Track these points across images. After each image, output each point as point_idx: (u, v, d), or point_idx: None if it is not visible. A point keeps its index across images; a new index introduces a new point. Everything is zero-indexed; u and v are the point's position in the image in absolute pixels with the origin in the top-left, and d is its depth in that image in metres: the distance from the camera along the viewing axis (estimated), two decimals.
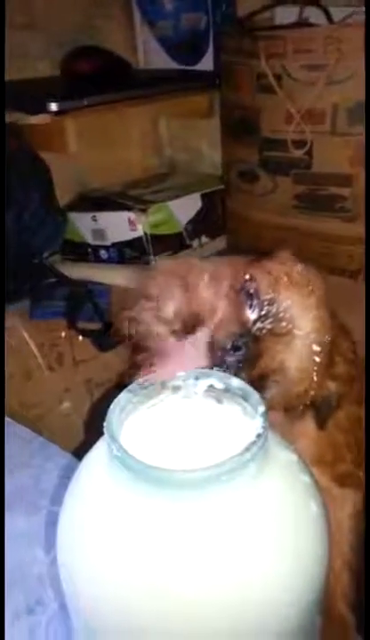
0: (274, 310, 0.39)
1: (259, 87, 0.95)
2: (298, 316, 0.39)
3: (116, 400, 0.32)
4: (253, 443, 0.28)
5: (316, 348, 0.40)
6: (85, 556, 0.29)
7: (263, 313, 0.39)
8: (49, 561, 0.50)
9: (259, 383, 0.39)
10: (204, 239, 1.19)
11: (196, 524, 0.27)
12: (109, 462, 0.29)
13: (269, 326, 0.39)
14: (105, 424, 0.30)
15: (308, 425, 0.46)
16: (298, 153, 0.92)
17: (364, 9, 0.96)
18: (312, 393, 0.41)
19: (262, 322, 0.39)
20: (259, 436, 0.28)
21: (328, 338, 0.40)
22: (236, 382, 0.34)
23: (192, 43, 1.25)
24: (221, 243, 1.21)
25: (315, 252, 0.98)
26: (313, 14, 0.99)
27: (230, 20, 1.16)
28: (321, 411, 0.44)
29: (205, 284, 0.44)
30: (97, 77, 1.06)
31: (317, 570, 0.30)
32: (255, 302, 0.39)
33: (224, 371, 0.37)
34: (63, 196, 1.11)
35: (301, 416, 0.44)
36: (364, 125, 0.89)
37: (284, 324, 0.39)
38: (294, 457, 0.32)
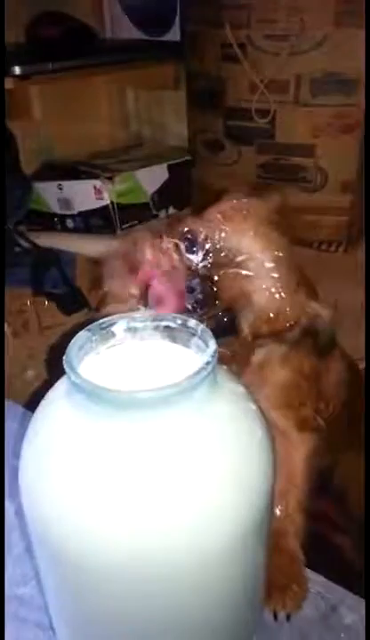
0: (213, 245, 0.41)
1: (224, 56, 0.96)
2: (238, 242, 0.40)
3: (75, 337, 0.34)
4: (202, 368, 0.30)
5: (269, 264, 0.40)
6: (47, 477, 0.31)
7: (204, 251, 0.41)
8: (13, 510, 0.52)
9: (230, 317, 0.41)
10: (171, 210, 1.21)
11: (145, 442, 0.29)
12: (68, 392, 0.31)
13: (211, 260, 0.41)
14: (64, 357, 0.32)
15: (277, 370, 0.49)
16: (261, 122, 0.94)
17: None
18: (288, 311, 0.41)
19: (206, 259, 0.41)
20: (207, 363, 0.30)
21: (279, 253, 0.41)
22: (190, 322, 0.36)
23: (159, 13, 1.25)
24: (188, 214, 1.22)
25: None
26: None
27: None
28: (320, 337, 0.44)
29: (149, 250, 0.45)
30: (62, 43, 1.05)
31: (262, 488, 0.32)
32: (195, 246, 0.41)
33: (194, 315, 0.39)
34: (29, 165, 1.11)
35: (297, 344, 0.45)
36: (327, 97, 0.91)
37: (225, 254, 0.40)
38: (242, 388, 0.34)
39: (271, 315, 0.41)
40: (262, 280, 0.40)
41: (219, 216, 0.41)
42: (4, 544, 0.49)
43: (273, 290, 0.40)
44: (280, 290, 0.40)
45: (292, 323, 0.42)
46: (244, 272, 0.40)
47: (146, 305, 0.43)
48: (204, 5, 0.99)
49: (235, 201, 0.43)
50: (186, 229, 0.42)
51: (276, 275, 0.40)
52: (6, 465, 0.57)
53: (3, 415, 0.66)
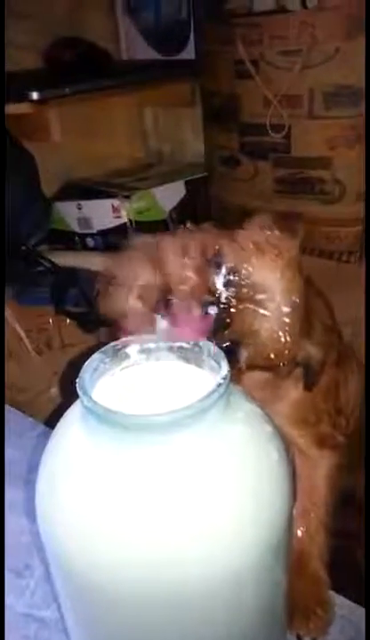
0: (240, 277, 0.41)
1: (237, 73, 0.97)
2: (264, 280, 0.40)
3: (89, 360, 0.34)
4: (214, 390, 0.30)
5: (285, 309, 0.41)
6: (60, 500, 0.31)
7: (230, 280, 0.41)
8: (35, 531, 0.52)
9: (232, 347, 0.41)
10: (189, 226, 1.21)
11: (159, 466, 0.29)
12: (82, 415, 0.31)
13: (236, 292, 0.41)
14: (77, 380, 0.32)
15: (291, 388, 0.48)
16: (277, 137, 0.94)
17: None
18: (287, 353, 0.42)
19: (230, 289, 0.41)
20: (219, 384, 0.30)
21: (297, 299, 0.41)
22: (203, 343, 0.36)
23: (173, 32, 1.27)
24: (211, 226, 1.22)
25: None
26: (289, 1, 1.01)
27: (210, 8, 1.18)
28: (306, 373, 0.46)
29: (173, 259, 0.45)
30: (78, 67, 1.07)
31: (279, 511, 0.32)
32: (223, 271, 0.41)
33: None
34: (49, 186, 1.13)
35: (287, 375, 0.46)
36: (341, 109, 0.91)
37: (249, 289, 0.40)
38: (258, 409, 0.34)
39: (272, 355, 0.41)
40: (275, 322, 0.40)
41: (252, 246, 0.41)
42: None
43: (281, 333, 0.41)
44: (287, 334, 0.41)
45: (285, 362, 0.43)
46: (261, 311, 0.40)
47: (161, 312, 0.42)
48: (216, 24, 1.00)
49: (268, 233, 0.42)
50: (219, 252, 0.41)
51: (287, 320, 0.40)
52: (28, 485, 0.57)
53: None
